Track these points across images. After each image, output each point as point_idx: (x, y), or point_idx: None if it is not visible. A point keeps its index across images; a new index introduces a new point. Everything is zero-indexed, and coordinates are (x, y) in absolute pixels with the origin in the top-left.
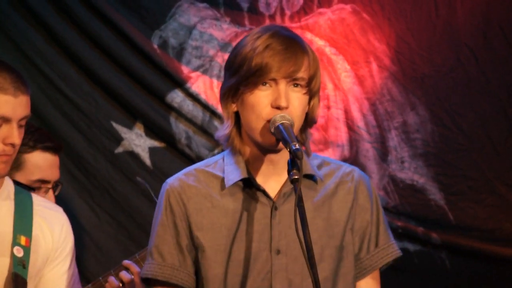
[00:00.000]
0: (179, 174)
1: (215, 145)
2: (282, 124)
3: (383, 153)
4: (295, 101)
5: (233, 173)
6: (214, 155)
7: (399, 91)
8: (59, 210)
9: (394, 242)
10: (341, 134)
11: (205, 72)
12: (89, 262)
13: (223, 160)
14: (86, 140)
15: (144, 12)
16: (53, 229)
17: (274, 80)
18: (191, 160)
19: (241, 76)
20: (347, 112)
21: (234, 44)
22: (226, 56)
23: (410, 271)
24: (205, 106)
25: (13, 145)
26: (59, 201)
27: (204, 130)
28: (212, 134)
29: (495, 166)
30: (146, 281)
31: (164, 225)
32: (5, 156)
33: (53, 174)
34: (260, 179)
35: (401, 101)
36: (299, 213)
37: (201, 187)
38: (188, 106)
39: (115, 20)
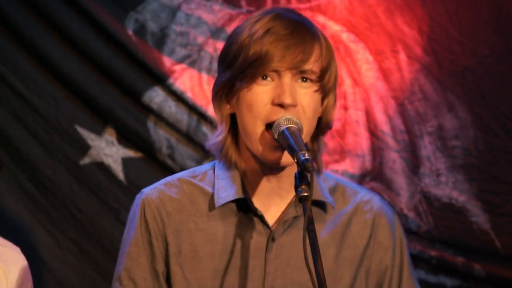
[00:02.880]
0: (159, 184)
1: (204, 156)
2: (288, 128)
3: (413, 165)
4: (304, 99)
5: (226, 190)
6: None
7: (433, 88)
8: (17, 250)
9: None
10: (362, 141)
11: (192, 64)
12: None
13: (214, 171)
14: (44, 149)
15: None
16: (8, 272)
17: (277, 72)
18: (174, 173)
19: (236, 69)
20: (368, 114)
21: (228, 29)
22: (219, 44)
23: None
24: (192, 108)
25: None
26: (11, 225)
27: (190, 138)
28: (200, 143)
29: None
30: None
31: (138, 245)
32: None
33: None
34: (258, 201)
35: (436, 101)
36: (309, 239)
37: (185, 202)
38: (171, 108)
39: (80, 0)
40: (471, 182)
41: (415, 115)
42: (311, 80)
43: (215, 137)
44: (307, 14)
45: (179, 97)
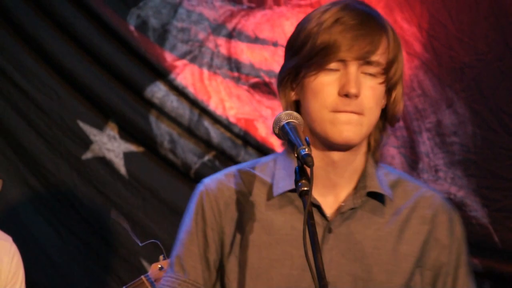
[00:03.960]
0: (219, 174)
1: (206, 150)
2: (288, 123)
3: (412, 161)
4: (367, 91)
5: (285, 180)
6: (204, 162)
7: (432, 84)
8: (8, 240)
9: None
10: None
11: (193, 60)
12: None
13: (275, 162)
14: (46, 144)
15: None
16: (1, 261)
17: (343, 61)
18: (175, 168)
19: (303, 56)
20: None
21: (229, 26)
22: (219, 40)
23: None
24: (193, 102)
25: None
26: (13, 218)
27: (192, 132)
28: (201, 137)
29: None
30: None
31: (192, 233)
32: None
33: None
34: (317, 191)
35: (435, 97)
36: (309, 232)
37: (243, 192)
38: (172, 102)
39: None
40: (470, 177)
41: (414, 111)
42: (376, 74)
43: None
44: (308, 10)
45: (180, 92)
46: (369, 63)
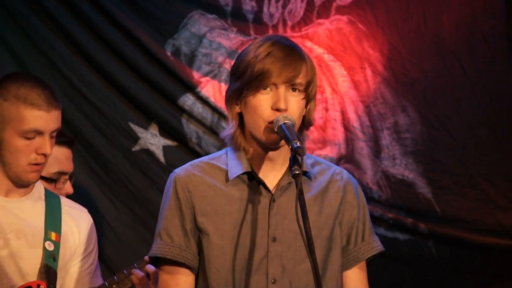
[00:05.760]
0: (186, 165)
1: (223, 144)
2: (284, 123)
3: (376, 151)
4: (294, 105)
5: (236, 167)
6: None
7: (391, 94)
8: (84, 210)
9: (377, 238)
10: (338, 134)
11: (214, 77)
12: (109, 250)
13: (227, 155)
14: (106, 139)
15: (158, 23)
16: (79, 227)
17: (275, 84)
18: (201, 157)
19: (244, 81)
20: (343, 114)
21: (240, 51)
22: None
23: (400, 258)
24: (214, 109)
25: (44, 155)
26: (82, 194)
27: (213, 131)
28: (220, 134)
29: (477, 164)
30: (154, 260)
31: (172, 210)
32: (37, 166)
33: (69, 166)
34: (260, 174)
35: (392, 104)
36: (300, 206)
37: (206, 177)
38: (198, 109)
39: (132, 30)
40: (418, 164)
41: (378, 115)
42: (299, 90)
43: (227, 130)
44: (298, 40)
45: (204, 101)
46: (294, 84)
